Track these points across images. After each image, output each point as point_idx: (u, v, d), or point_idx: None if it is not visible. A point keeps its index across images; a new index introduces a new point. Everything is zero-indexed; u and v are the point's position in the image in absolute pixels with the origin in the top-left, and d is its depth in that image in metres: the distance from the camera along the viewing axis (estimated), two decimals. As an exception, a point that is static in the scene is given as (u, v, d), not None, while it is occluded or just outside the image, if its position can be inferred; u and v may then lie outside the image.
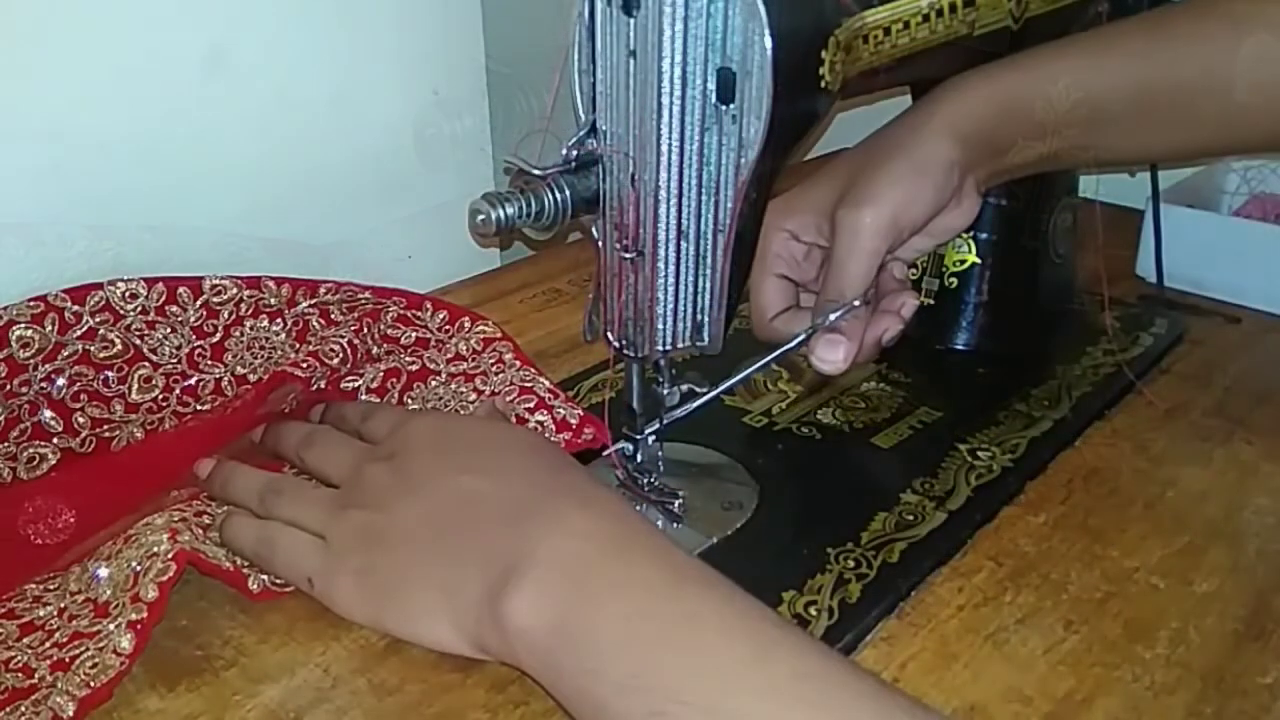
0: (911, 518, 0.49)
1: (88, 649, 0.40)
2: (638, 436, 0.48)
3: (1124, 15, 0.63)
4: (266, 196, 0.64)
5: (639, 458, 0.49)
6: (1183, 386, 0.61)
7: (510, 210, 0.41)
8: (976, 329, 0.63)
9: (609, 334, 0.46)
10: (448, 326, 0.58)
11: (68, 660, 0.39)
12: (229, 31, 0.59)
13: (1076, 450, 0.55)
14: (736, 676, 0.34)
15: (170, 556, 0.42)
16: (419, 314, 0.59)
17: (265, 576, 0.44)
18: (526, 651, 0.37)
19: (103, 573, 0.42)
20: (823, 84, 0.42)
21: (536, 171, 0.41)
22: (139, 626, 0.40)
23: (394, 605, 0.41)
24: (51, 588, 0.44)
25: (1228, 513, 0.50)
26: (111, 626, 0.40)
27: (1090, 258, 0.69)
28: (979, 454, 0.54)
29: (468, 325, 0.58)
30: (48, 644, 0.40)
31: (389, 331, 0.58)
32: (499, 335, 0.58)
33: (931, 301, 0.64)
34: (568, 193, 0.42)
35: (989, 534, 0.49)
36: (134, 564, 0.42)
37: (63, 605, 0.42)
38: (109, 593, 0.42)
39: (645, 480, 0.48)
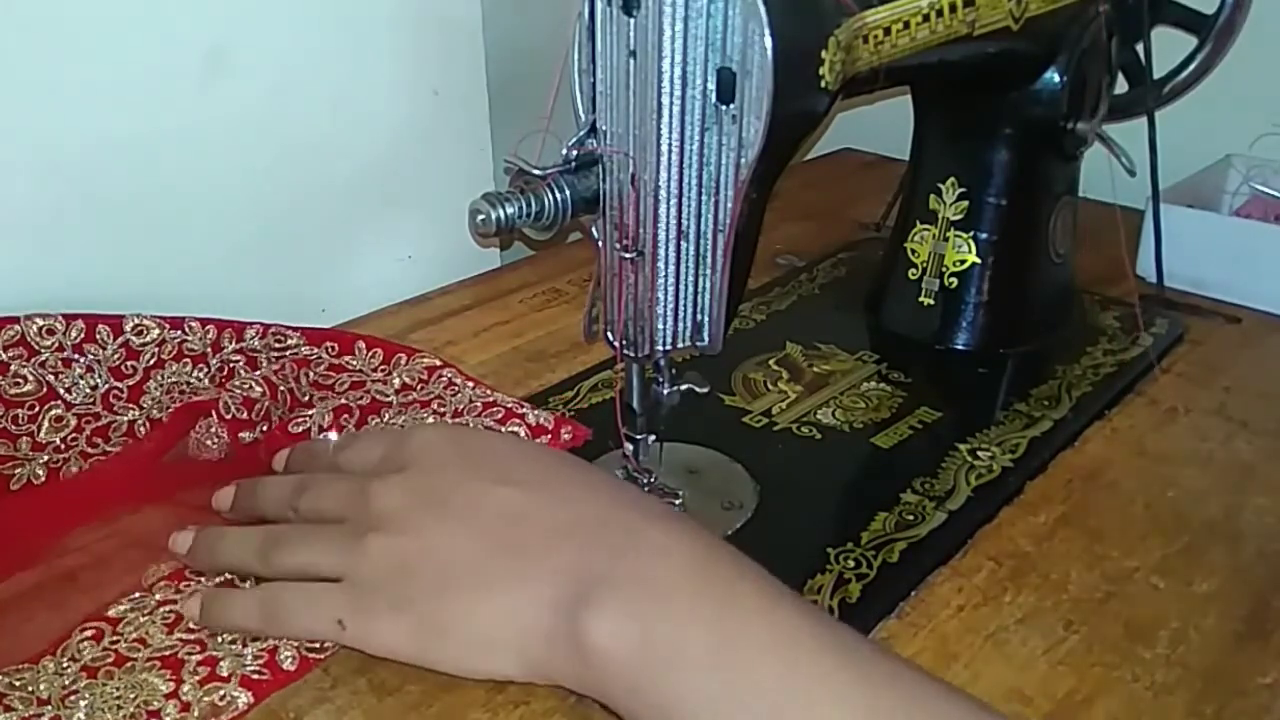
0: (911, 518, 0.49)
1: None
2: (638, 436, 0.48)
3: (1124, 15, 0.63)
4: (266, 196, 0.64)
5: (639, 457, 0.49)
6: (1183, 386, 0.61)
7: (510, 210, 0.41)
8: (976, 329, 0.64)
9: (609, 334, 0.46)
10: (384, 366, 0.57)
11: None
12: (229, 32, 0.59)
13: (1076, 450, 0.55)
14: (838, 699, 0.33)
15: None
16: (351, 360, 0.58)
17: (296, 645, 0.41)
18: (605, 674, 0.35)
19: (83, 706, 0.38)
20: (823, 84, 0.42)
21: (536, 171, 0.41)
22: None
23: (446, 639, 0.38)
24: (16, 684, 0.39)
25: (1228, 513, 0.50)
26: None
27: (1090, 258, 0.69)
28: (979, 454, 0.54)
29: (405, 360, 0.58)
30: None
31: (320, 380, 0.57)
32: (440, 364, 0.57)
33: (932, 301, 0.64)
34: (568, 193, 0.42)
35: (989, 534, 0.49)
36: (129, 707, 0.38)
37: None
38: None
39: (645, 480, 0.48)
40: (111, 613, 0.43)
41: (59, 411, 0.52)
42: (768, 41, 0.38)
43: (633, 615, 0.35)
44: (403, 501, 0.41)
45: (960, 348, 0.64)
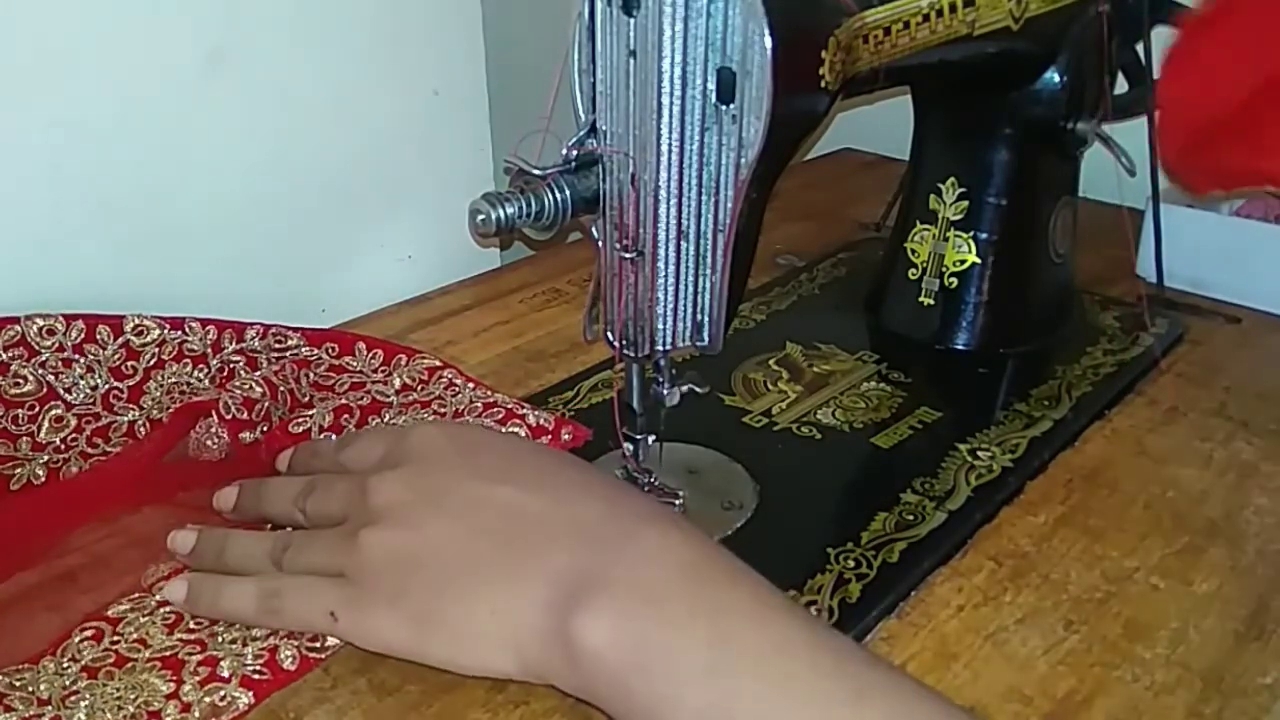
0: (911, 518, 0.49)
1: None
2: (638, 436, 0.48)
3: (1124, 15, 0.63)
4: (266, 196, 0.64)
5: (639, 457, 0.49)
6: (1183, 386, 0.61)
7: (510, 210, 0.41)
8: (976, 329, 0.64)
9: (609, 334, 0.46)
10: (384, 366, 0.57)
11: None
12: (229, 32, 0.60)
13: (1076, 450, 0.55)
14: (829, 709, 0.33)
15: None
16: (352, 360, 0.58)
17: (296, 645, 0.41)
18: (595, 675, 0.35)
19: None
20: (823, 84, 0.42)
21: (536, 171, 0.41)
22: None
23: (441, 632, 0.38)
24: (16, 684, 0.39)
25: (1228, 513, 0.50)
26: None
27: (1090, 258, 0.69)
28: (979, 454, 0.54)
29: (405, 361, 0.58)
30: None
31: (320, 381, 0.57)
32: (440, 364, 0.57)
33: (932, 301, 0.64)
34: (568, 193, 0.42)
35: (989, 534, 0.49)
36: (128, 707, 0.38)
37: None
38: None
39: (645, 480, 0.48)
40: (111, 613, 0.42)
41: (59, 412, 0.52)
42: (768, 41, 0.38)
43: (625, 619, 0.35)
44: (400, 496, 0.40)
45: (960, 348, 0.64)
